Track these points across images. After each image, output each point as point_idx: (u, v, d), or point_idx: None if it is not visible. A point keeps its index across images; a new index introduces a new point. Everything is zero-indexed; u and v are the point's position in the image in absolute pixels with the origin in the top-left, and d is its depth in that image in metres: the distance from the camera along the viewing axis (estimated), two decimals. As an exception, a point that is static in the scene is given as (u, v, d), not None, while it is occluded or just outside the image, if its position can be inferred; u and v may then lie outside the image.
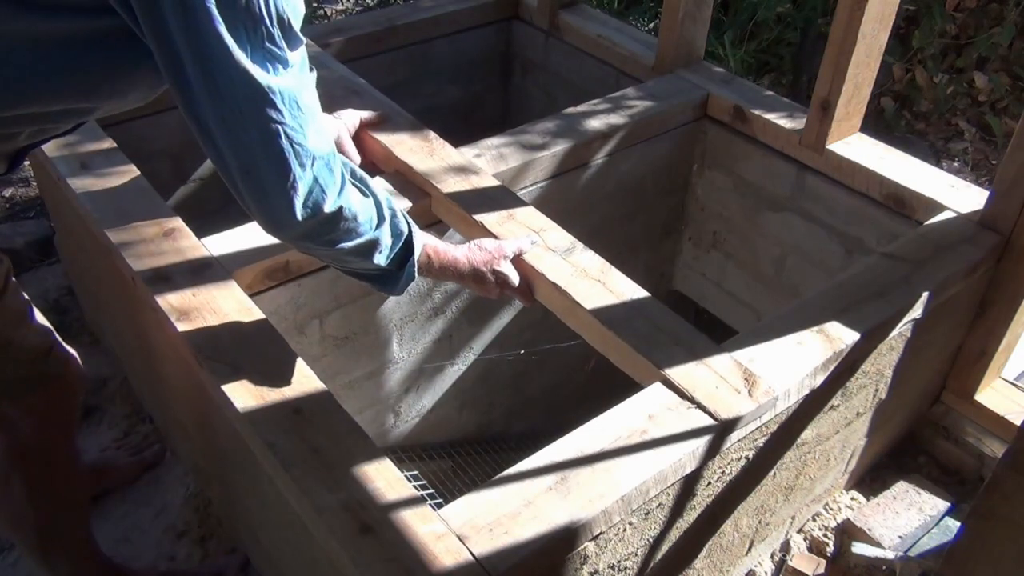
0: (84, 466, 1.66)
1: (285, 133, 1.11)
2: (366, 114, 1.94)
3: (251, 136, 1.10)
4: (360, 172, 1.33)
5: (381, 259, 1.34)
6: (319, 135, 1.16)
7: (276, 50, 1.07)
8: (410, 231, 1.39)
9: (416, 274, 1.42)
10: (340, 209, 1.22)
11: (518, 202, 1.78)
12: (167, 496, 2.07)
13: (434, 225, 1.87)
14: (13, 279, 1.42)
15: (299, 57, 1.12)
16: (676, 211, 2.50)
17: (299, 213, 1.16)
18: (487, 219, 1.72)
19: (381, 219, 1.31)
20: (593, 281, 1.59)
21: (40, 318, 1.50)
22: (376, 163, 1.95)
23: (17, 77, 1.11)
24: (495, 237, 1.67)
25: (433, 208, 1.84)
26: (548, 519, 1.20)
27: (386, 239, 1.33)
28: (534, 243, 1.66)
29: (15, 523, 1.61)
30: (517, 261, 1.62)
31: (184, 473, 2.12)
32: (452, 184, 1.80)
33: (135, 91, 1.23)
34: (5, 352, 1.42)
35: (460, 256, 1.52)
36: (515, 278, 1.59)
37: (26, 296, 1.47)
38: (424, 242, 1.45)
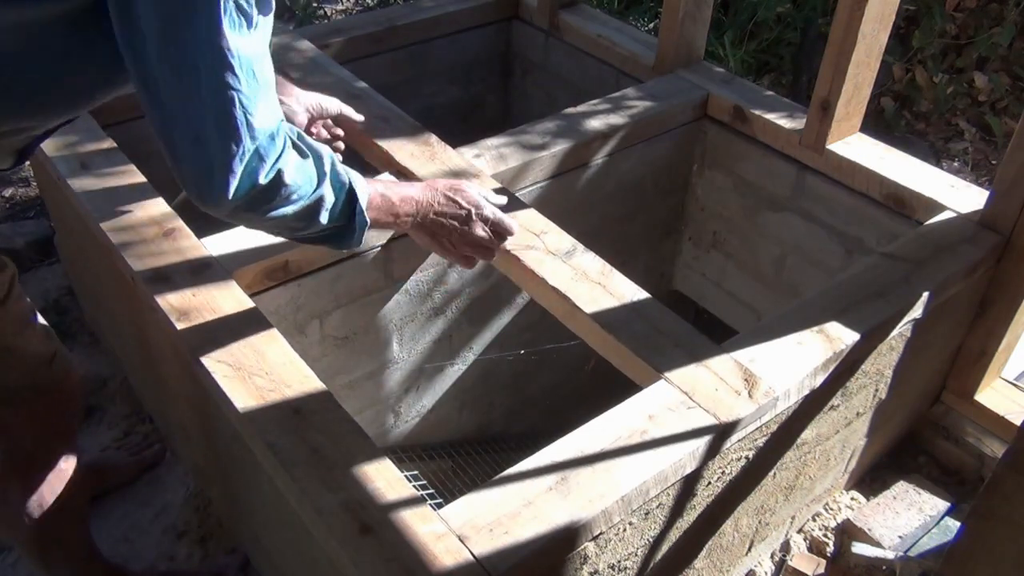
0: (83, 470, 1.66)
1: (240, 101, 1.07)
2: (334, 106, 1.78)
3: (205, 99, 1.06)
4: (302, 134, 1.26)
5: (326, 217, 1.27)
6: (268, 109, 1.12)
7: (245, 5, 1.05)
8: (350, 180, 1.31)
9: (368, 220, 1.34)
10: (278, 175, 1.16)
11: (519, 205, 1.78)
12: (167, 496, 2.07)
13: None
14: (18, 285, 1.42)
15: (266, 23, 1.09)
16: (676, 211, 2.50)
17: (233, 189, 1.12)
18: (487, 220, 1.72)
19: (321, 176, 1.25)
20: (593, 284, 1.59)
21: (43, 324, 1.50)
22: (376, 168, 1.95)
23: (13, 72, 1.11)
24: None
25: (433, 209, 1.84)
26: (548, 519, 1.20)
27: (329, 196, 1.27)
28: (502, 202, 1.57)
29: (14, 528, 1.61)
30: (516, 261, 1.62)
31: (184, 473, 2.12)
32: (452, 186, 1.80)
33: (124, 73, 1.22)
34: (7, 358, 1.41)
35: (418, 185, 1.45)
36: (488, 209, 1.50)
37: (29, 301, 1.47)
38: (372, 187, 1.36)
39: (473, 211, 1.49)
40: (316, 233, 1.31)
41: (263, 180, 1.14)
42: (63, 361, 1.52)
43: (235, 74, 1.06)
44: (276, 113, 1.15)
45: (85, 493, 1.73)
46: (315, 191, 1.24)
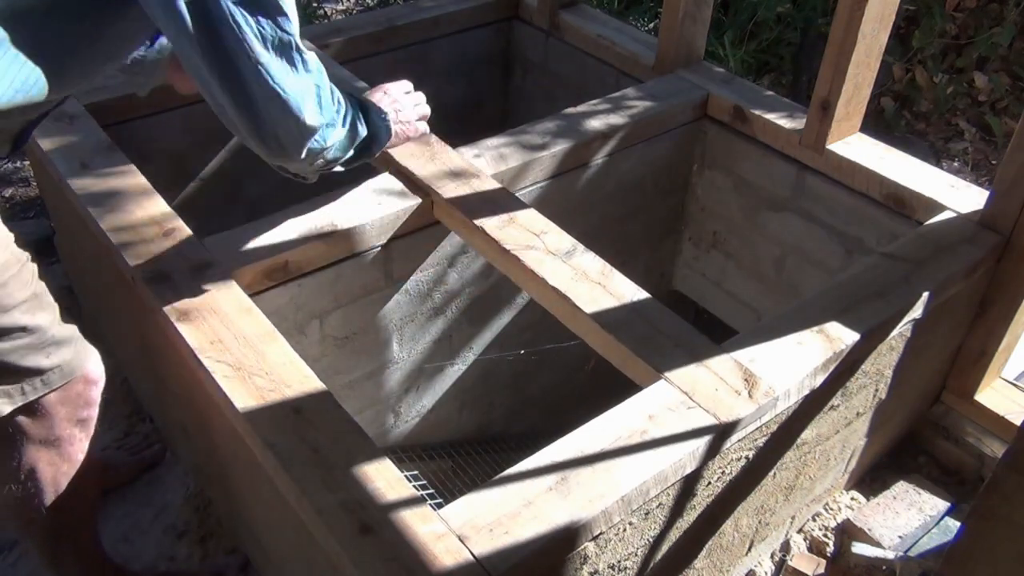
0: (97, 463, 1.67)
1: (294, 44, 1.23)
2: None
3: (270, 48, 1.21)
4: None
5: (362, 125, 1.49)
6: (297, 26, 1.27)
7: None
8: (342, 91, 1.50)
9: (383, 109, 1.65)
10: (338, 100, 1.38)
11: (519, 205, 1.78)
12: (167, 496, 2.07)
13: (434, 226, 1.88)
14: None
15: None
16: (676, 211, 2.50)
17: (318, 115, 1.31)
18: (488, 223, 1.72)
19: (334, 91, 1.41)
20: (593, 284, 1.59)
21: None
22: (376, 168, 1.95)
23: (31, 37, 1.19)
24: (497, 242, 1.67)
25: (435, 213, 1.84)
26: (548, 519, 1.20)
27: (348, 106, 1.46)
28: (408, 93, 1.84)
29: (27, 518, 1.61)
30: (516, 261, 1.62)
31: (184, 473, 2.12)
32: (453, 188, 1.80)
33: (133, 38, 1.32)
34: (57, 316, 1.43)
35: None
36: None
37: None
38: None
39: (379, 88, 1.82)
40: (361, 144, 1.52)
41: (334, 103, 1.36)
42: (84, 348, 1.53)
43: (287, 17, 1.21)
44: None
45: (97, 487, 1.74)
46: (344, 106, 1.44)
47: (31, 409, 1.47)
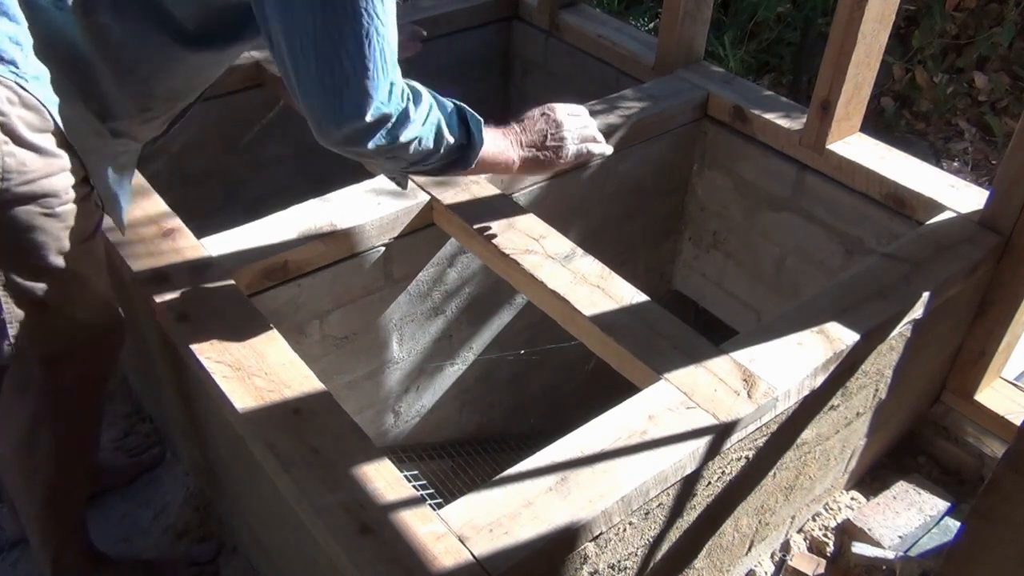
0: (97, 439, 1.68)
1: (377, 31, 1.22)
2: None
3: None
4: None
5: (454, 130, 1.39)
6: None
7: None
8: (453, 101, 1.44)
9: (481, 120, 1.47)
10: (404, 88, 1.30)
11: (518, 210, 1.78)
12: (167, 496, 2.07)
13: (434, 226, 1.88)
14: (102, 230, 1.45)
15: None
16: (676, 211, 2.50)
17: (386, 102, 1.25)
18: (488, 228, 1.72)
19: (428, 98, 1.36)
20: (592, 287, 1.59)
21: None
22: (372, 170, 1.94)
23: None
24: (497, 246, 1.67)
25: (435, 219, 1.84)
26: (548, 519, 1.20)
27: (441, 115, 1.38)
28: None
29: (29, 478, 1.60)
30: (515, 265, 1.62)
31: (184, 473, 2.12)
32: (452, 195, 1.80)
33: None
34: (83, 290, 1.43)
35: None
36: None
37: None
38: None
39: (548, 111, 1.64)
40: (450, 150, 1.41)
41: (403, 99, 1.28)
42: (117, 311, 1.54)
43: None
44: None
45: (95, 460, 1.74)
46: (428, 107, 1.35)
47: (51, 362, 1.48)
